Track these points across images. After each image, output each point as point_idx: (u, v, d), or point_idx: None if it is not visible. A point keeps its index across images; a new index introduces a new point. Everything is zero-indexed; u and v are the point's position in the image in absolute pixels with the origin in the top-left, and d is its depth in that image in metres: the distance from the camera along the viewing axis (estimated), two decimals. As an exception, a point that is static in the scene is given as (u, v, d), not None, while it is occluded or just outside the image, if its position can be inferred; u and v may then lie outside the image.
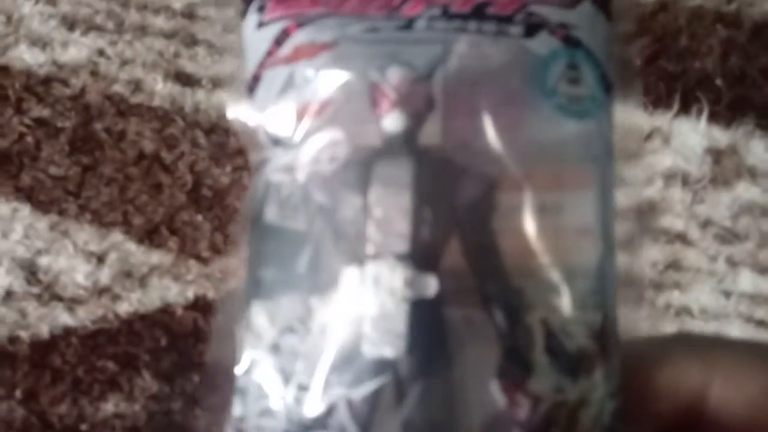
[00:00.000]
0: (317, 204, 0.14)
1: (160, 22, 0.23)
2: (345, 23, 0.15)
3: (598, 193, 0.15)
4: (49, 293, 0.20)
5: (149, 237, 0.22)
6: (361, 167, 0.14)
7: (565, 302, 0.14)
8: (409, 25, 0.15)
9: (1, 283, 0.19)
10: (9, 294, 0.20)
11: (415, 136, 0.14)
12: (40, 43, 0.23)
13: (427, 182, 0.14)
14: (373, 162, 0.14)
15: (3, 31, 0.23)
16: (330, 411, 0.13)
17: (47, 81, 0.23)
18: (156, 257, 0.22)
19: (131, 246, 0.23)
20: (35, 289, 0.20)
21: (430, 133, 0.14)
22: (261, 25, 0.15)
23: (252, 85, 0.15)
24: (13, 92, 0.23)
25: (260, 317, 0.14)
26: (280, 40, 0.15)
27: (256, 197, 0.15)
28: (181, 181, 0.23)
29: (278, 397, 0.14)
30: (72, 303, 0.20)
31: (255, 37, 0.15)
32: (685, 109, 0.29)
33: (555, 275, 0.14)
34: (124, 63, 0.23)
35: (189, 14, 0.23)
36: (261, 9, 0.15)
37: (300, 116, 0.14)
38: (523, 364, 0.13)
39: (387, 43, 0.15)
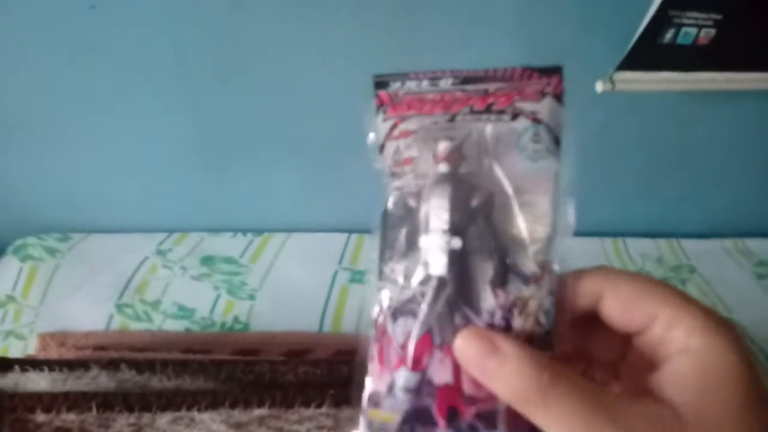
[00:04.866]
0: (408, 205, 0.30)
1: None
2: (422, 119, 0.30)
3: (551, 196, 0.29)
4: None
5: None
6: (429, 188, 0.29)
7: (528, 252, 0.29)
8: (453, 118, 0.30)
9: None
10: None
11: (455, 173, 0.29)
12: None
13: (456, 195, 0.29)
14: (433, 185, 0.29)
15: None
16: (415, 295, 0.29)
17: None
18: None
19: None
20: None
21: (463, 171, 0.29)
22: (384, 119, 0.31)
23: (381, 149, 0.31)
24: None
25: (385, 267, 0.30)
26: (392, 128, 0.30)
27: (384, 203, 0.31)
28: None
29: (395, 294, 0.29)
30: None
31: (381, 125, 0.31)
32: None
33: (524, 240, 0.29)
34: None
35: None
36: (384, 111, 0.31)
37: (402, 164, 0.30)
38: (503, 279, 0.29)
39: (442, 129, 0.30)
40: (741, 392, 0.25)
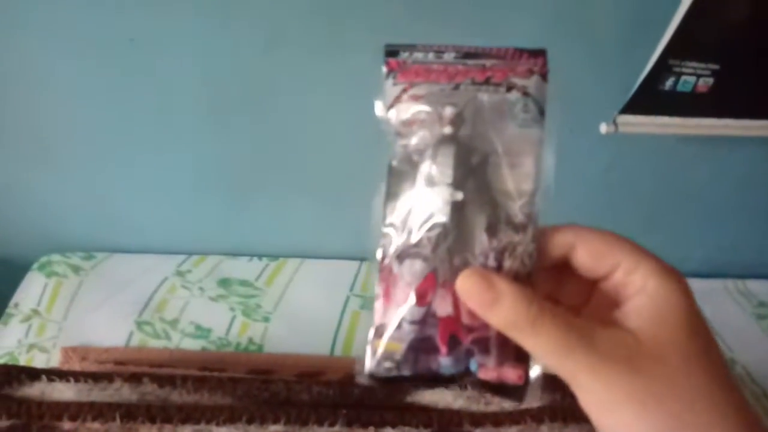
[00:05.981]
0: (414, 160, 0.34)
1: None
2: (430, 86, 0.34)
3: (536, 158, 0.33)
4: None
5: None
6: (434, 147, 0.34)
7: (516, 205, 0.33)
8: (457, 87, 0.34)
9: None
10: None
11: (456, 135, 0.34)
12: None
13: (459, 154, 0.33)
14: (438, 145, 0.34)
15: None
16: (421, 240, 0.33)
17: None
18: None
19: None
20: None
21: (463, 134, 0.34)
22: (394, 84, 0.35)
23: (389, 109, 0.35)
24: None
25: (390, 215, 0.34)
26: (402, 92, 0.35)
27: (390, 158, 0.35)
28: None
29: (400, 239, 0.33)
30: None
31: (391, 89, 0.35)
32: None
33: (513, 194, 0.33)
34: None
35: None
36: (394, 76, 0.35)
37: (409, 125, 0.34)
38: (495, 227, 0.33)
39: (447, 95, 0.34)
40: (686, 322, 0.30)
